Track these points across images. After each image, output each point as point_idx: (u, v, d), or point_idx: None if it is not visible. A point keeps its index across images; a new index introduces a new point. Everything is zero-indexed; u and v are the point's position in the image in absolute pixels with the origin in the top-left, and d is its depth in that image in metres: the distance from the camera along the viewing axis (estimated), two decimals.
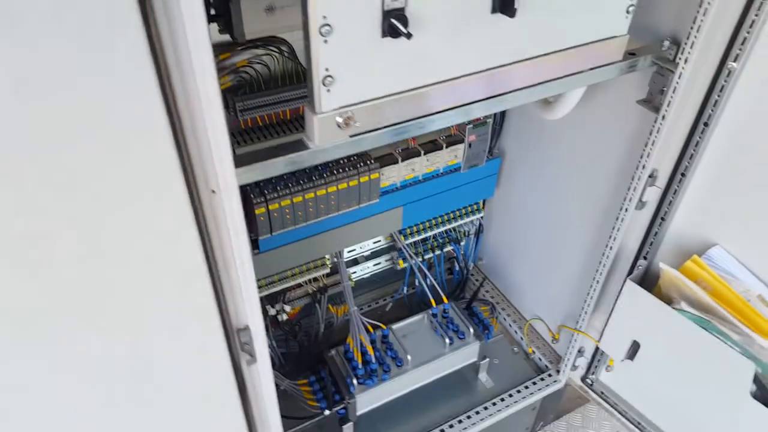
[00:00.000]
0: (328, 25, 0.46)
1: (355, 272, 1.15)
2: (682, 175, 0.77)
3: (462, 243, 1.18)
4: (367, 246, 1.12)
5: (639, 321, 0.84)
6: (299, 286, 1.02)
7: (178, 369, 0.56)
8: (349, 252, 1.09)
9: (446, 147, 0.95)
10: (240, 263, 0.51)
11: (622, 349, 0.88)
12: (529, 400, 1.08)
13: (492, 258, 1.28)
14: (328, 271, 1.01)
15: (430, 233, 1.09)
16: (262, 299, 0.98)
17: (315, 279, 1.02)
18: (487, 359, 1.09)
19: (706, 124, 0.71)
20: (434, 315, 1.08)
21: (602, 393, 1.03)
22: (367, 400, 0.98)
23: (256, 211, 0.81)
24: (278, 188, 0.82)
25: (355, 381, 0.96)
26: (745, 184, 0.72)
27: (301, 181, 0.83)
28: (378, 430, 1.02)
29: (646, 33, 0.71)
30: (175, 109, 0.42)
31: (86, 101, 0.37)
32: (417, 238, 1.08)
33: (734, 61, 0.65)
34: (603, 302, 0.95)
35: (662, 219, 0.82)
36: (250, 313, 0.56)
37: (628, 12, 0.62)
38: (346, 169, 0.85)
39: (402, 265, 1.12)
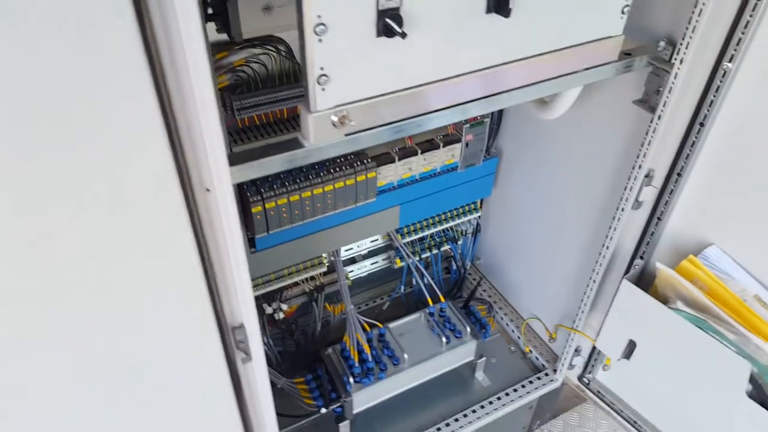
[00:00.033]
0: (322, 24, 0.46)
1: (352, 271, 1.15)
2: (678, 175, 0.77)
3: (459, 242, 1.18)
4: (365, 245, 1.12)
5: (635, 320, 0.84)
6: (296, 284, 1.02)
7: (173, 367, 0.56)
8: (346, 251, 1.09)
9: (443, 146, 0.95)
10: (235, 261, 0.51)
11: (618, 349, 0.88)
12: (525, 399, 1.08)
13: (489, 257, 1.29)
14: (325, 269, 1.01)
15: (427, 232, 1.09)
16: (258, 297, 0.98)
17: (312, 278, 1.02)
18: (484, 358, 1.09)
19: (702, 125, 0.72)
20: (431, 314, 1.08)
21: (599, 392, 1.03)
22: (364, 399, 0.98)
23: (253, 210, 0.82)
24: (275, 187, 0.82)
25: (351, 379, 0.97)
26: (741, 184, 0.72)
27: (298, 180, 0.83)
28: (374, 429, 1.03)
29: (642, 33, 0.71)
30: (170, 108, 0.42)
31: (79, 100, 0.37)
32: (414, 237, 1.08)
33: (729, 61, 0.65)
34: (600, 302, 0.95)
35: (658, 219, 0.82)
36: (245, 312, 0.56)
37: (623, 12, 0.62)
38: (343, 167, 0.85)
39: (399, 264, 1.13)
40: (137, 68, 0.38)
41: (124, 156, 0.41)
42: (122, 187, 0.42)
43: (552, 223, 1.05)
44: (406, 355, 1.00)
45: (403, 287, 1.20)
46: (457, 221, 1.12)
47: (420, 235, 1.09)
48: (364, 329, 1.01)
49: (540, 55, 0.60)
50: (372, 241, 1.13)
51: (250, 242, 0.88)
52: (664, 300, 0.79)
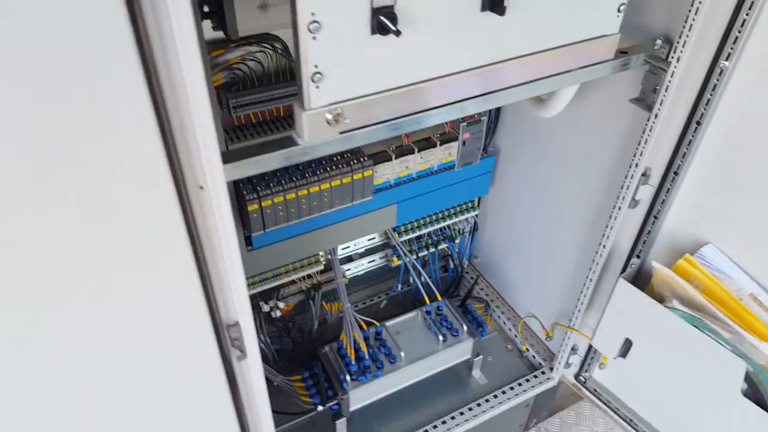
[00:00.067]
0: (316, 21, 0.46)
1: (349, 269, 1.15)
2: (675, 173, 0.77)
3: (457, 241, 1.18)
4: (362, 243, 1.12)
5: (631, 319, 0.84)
6: (293, 282, 1.02)
7: (168, 365, 0.56)
8: (343, 249, 1.09)
9: (440, 145, 0.95)
10: (229, 259, 0.51)
11: (614, 347, 0.88)
12: (522, 397, 1.08)
13: (487, 256, 1.29)
14: (322, 268, 1.01)
15: (424, 231, 1.09)
16: (255, 295, 0.98)
17: (309, 276, 1.02)
18: (481, 356, 1.09)
19: (698, 123, 0.71)
20: (428, 312, 1.08)
21: (595, 390, 1.03)
22: (360, 396, 0.98)
23: (249, 208, 0.81)
24: (271, 185, 0.82)
25: (348, 377, 0.97)
26: (738, 183, 0.72)
27: (294, 178, 0.83)
28: (371, 426, 1.03)
29: (639, 32, 0.71)
30: (163, 105, 0.42)
31: (71, 97, 0.37)
32: (411, 235, 1.08)
33: (726, 60, 0.65)
34: (596, 300, 0.96)
35: (655, 217, 0.82)
36: (240, 309, 0.56)
37: (619, 11, 0.62)
38: (340, 166, 0.85)
39: (396, 262, 1.13)
40: (130, 66, 0.38)
41: (117, 153, 0.41)
42: (114, 185, 0.42)
43: (549, 222, 1.05)
44: (402, 354, 1.00)
45: (400, 285, 1.20)
46: (455, 220, 1.12)
47: (417, 233, 1.09)
48: (360, 327, 1.01)
49: (536, 53, 0.60)
50: (369, 240, 1.13)
51: (247, 240, 0.88)
52: (661, 299, 0.79)
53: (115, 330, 0.50)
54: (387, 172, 0.94)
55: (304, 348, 1.08)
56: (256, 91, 0.77)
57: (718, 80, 0.67)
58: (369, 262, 1.17)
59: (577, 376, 1.07)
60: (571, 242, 1.01)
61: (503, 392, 1.08)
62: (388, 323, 1.06)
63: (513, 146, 1.07)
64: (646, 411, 0.94)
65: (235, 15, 0.66)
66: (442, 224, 1.10)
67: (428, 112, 0.58)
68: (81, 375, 0.50)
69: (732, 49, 0.64)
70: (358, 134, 0.55)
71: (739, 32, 0.63)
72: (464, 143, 0.97)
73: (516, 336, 1.19)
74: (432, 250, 1.14)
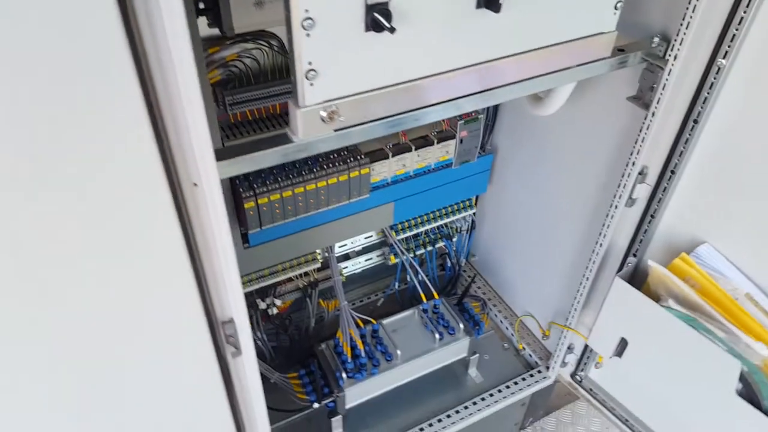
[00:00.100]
0: (310, 18, 0.46)
1: (346, 267, 1.15)
2: (672, 172, 0.77)
3: (454, 239, 1.18)
4: (359, 241, 1.12)
5: (627, 318, 0.84)
6: (290, 280, 1.02)
7: (163, 362, 0.56)
8: (340, 247, 1.09)
9: (437, 143, 0.95)
10: (223, 256, 0.51)
11: (610, 346, 0.88)
12: (518, 396, 1.08)
13: (484, 254, 1.29)
14: (318, 265, 1.01)
15: (421, 229, 1.09)
16: (252, 293, 0.98)
17: (306, 273, 1.02)
18: (477, 355, 1.09)
19: (695, 122, 0.71)
20: (425, 310, 1.08)
21: (591, 390, 1.03)
22: (356, 394, 0.99)
23: (246, 205, 0.81)
24: (267, 182, 0.82)
25: (344, 375, 0.97)
26: (735, 182, 0.72)
27: (291, 176, 0.83)
28: (367, 424, 1.03)
29: (636, 29, 0.71)
30: (156, 103, 0.42)
31: (63, 95, 0.37)
32: (409, 233, 1.08)
33: (723, 58, 0.65)
34: (593, 299, 0.95)
35: (652, 216, 0.82)
36: (235, 306, 0.56)
37: (616, 8, 0.62)
38: (336, 163, 0.85)
39: (393, 260, 1.12)
40: (123, 65, 0.38)
41: (110, 151, 0.41)
42: (108, 182, 0.42)
43: (547, 221, 1.05)
44: (399, 351, 1.00)
45: (397, 284, 1.20)
46: (452, 218, 1.11)
47: (414, 231, 1.09)
48: (357, 325, 1.01)
49: (532, 50, 0.60)
50: (366, 238, 1.13)
51: (244, 238, 0.87)
52: (656, 298, 0.79)
53: (109, 327, 0.50)
54: (384, 170, 0.94)
55: (300, 345, 1.08)
56: (252, 88, 0.76)
57: (715, 78, 0.67)
58: (366, 260, 1.17)
59: (573, 375, 1.07)
60: (568, 241, 1.01)
61: (499, 391, 1.09)
62: (385, 321, 1.06)
63: (511, 144, 1.07)
64: (641, 411, 0.94)
65: (230, 12, 0.66)
66: (440, 222, 1.10)
67: (424, 110, 0.58)
68: (74, 371, 0.50)
69: (729, 47, 0.64)
70: (353, 132, 0.55)
71: (737, 30, 0.63)
72: (461, 141, 0.97)
73: (513, 334, 1.19)
74: (429, 248, 1.14)
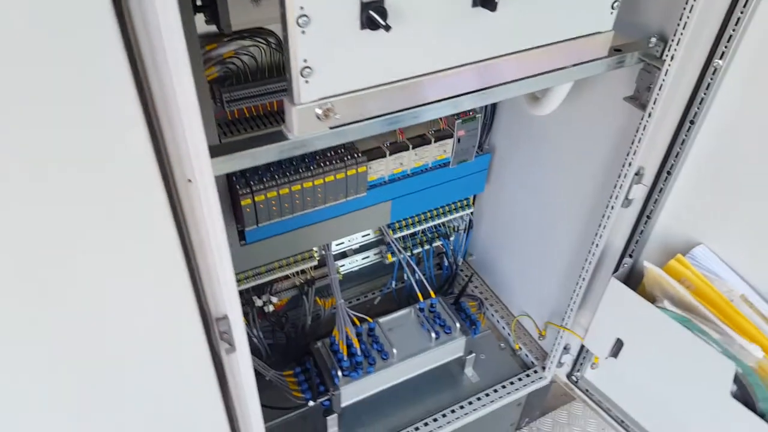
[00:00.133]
0: (305, 15, 0.46)
1: (343, 265, 1.15)
2: (668, 173, 0.77)
3: (452, 238, 1.18)
4: (356, 239, 1.12)
5: (622, 319, 0.84)
6: (287, 277, 1.02)
7: (156, 358, 0.56)
8: (337, 245, 1.09)
9: (435, 141, 0.95)
10: (217, 252, 0.51)
11: (606, 347, 0.88)
12: (514, 396, 1.08)
13: (482, 253, 1.29)
14: (315, 263, 1.01)
15: (419, 228, 1.09)
16: (249, 290, 0.98)
17: (302, 271, 1.02)
18: (473, 354, 1.10)
19: (692, 122, 0.71)
20: (421, 309, 1.08)
21: (587, 390, 1.03)
22: (352, 392, 0.99)
23: (242, 202, 0.81)
24: (264, 179, 0.82)
25: (340, 373, 0.97)
26: (731, 184, 0.72)
27: (288, 173, 0.83)
28: (362, 422, 1.03)
29: (634, 30, 0.71)
30: (150, 98, 0.42)
31: (57, 91, 0.37)
32: (406, 232, 1.08)
33: (720, 58, 0.65)
34: (589, 300, 0.95)
35: (648, 217, 0.82)
36: (229, 303, 0.56)
37: (612, 8, 0.62)
38: (333, 161, 0.85)
39: (390, 259, 1.13)
40: (117, 59, 0.38)
41: (105, 148, 0.41)
42: (103, 179, 0.42)
43: (544, 220, 1.05)
44: (395, 350, 1.00)
45: (394, 282, 1.20)
46: (450, 217, 1.11)
47: (412, 230, 1.09)
48: (353, 323, 1.01)
49: (528, 50, 0.60)
50: (363, 236, 1.13)
51: (241, 235, 0.87)
52: (652, 299, 0.79)
53: (102, 323, 0.50)
54: (381, 169, 0.94)
55: (296, 343, 1.08)
56: (250, 85, 0.77)
57: (711, 79, 0.67)
58: (363, 259, 1.17)
59: (569, 376, 1.07)
60: (565, 241, 1.01)
61: (495, 390, 1.09)
62: (381, 320, 1.06)
63: (508, 144, 1.07)
64: (636, 411, 0.94)
65: (228, 9, 0.66)
66: (437, 221, 1.10)
67: (420, 108, 0.58)
68: (66, 368, 0.50)
69: (726, 48, 0.64)
70: (349, 129, 0.55)
71: (734, 31, 0.62)
72: (459, 140, 0.97)
73: (509, 334, 1.19)
74: (426, 247, 1.14)
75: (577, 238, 0.97)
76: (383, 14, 0.47)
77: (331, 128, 0.54)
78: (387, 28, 0.48)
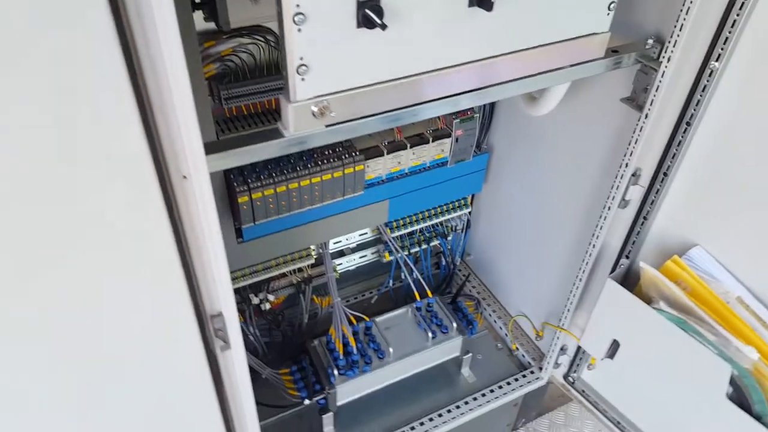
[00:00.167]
0: (301, 13, 0.46)
1: (340, 264, 1.15)
2: (665, 174, 0.77)
3: (449, 238, 1.18)
4: (353, 238, 1.12)
5: (619, 320, 0.84)
6: (284, 275, 1.02)
7: (151, 356, 0.56)
8: (334, 243, 1.10)
9: (433, 141, 0.95)
10: (212, 249, 0.51)
11: (602, 348, 0.88)
12: (510, 397, 1.08)
13: (479, 253, 1.29)
14: (313, 261, 1.01)
15: (416, 227, 1.09)
16: (245, 288, 0.98)
17: (300, 269, 1.02)
18: (470, 354, 1.10)
19: (688, 124, 0.71)
20: (418, 309, 1.08)
21: (584, 391, 1.03)
22: (348, 391, 0.99)
23: (239, 200, 0.82)
24: (262, 177, 0.82)
25: (336, 371, 0.97)
26: (727, 185, 0.72)
27: (285, 171, 0.83)
28: (358, 421, 1.03)
29: (631, 31, 0.71)
30: (146, 94, 0.42)
31: (51, 86, 0.37)
32: (404, 231, 1.08)
33: (716, 60, 0.65)
34: (586, 300, 0.96)
35: (644, 218, 0.82)
36: (224, 300, 0.56)
37: (609, 9, 0.62)
38: (331, 160, 0.85)
39: (388, 258, 1.13)
40: (112, 55, 0.38)
41: (100, 144, 0.41)
42: (97, 175, 0.42)
43: (541, 221, 1.05)
44: (391, 349, 1.00)
45: (391, 281, 1.20)
46: (447, 216, 1.12)
47: (409, 229, 1.09)
48: (350, 322, 1.01)
49: (524, 50, 0.60)
50: (361, 235, 1.13)
51: (238, 232, 0.88)
52: (648, 300, 0.79)
53: (97, 320, 0.50)
54: (379, 168, 0.94)
55: (293, 341, 1.08)
56: (248, 82, 0.77)
57: (708, 81, 0.67)
58: (360, 257, 1.17)
59: (566, 377, 1.07)
60: (562, 241, 1.01)
61: (492, 391, 1.09)
62: (378, 319, 1.06)
63: (506, 144, 1.07)
64: (632, 413, 0.94)
65: (226, 6, 0.66)
66: (435, 221, 1.10)
67: (416, 107, 0.58)
68: (61, 366, 0.50)
69: (722, 49, 0.64)
70: (345, 127, 0.55)
71: (729, 33, 0.63)
72: (457, 140, 0.97)
73: (506, 334, 1.19)
74: (424, 246, 1.14)
75: (574, 239, 0.97)
76: (379, 13, 0.48)
77: (326, 126, 0.54)
78: (383, 26, 0.48)
